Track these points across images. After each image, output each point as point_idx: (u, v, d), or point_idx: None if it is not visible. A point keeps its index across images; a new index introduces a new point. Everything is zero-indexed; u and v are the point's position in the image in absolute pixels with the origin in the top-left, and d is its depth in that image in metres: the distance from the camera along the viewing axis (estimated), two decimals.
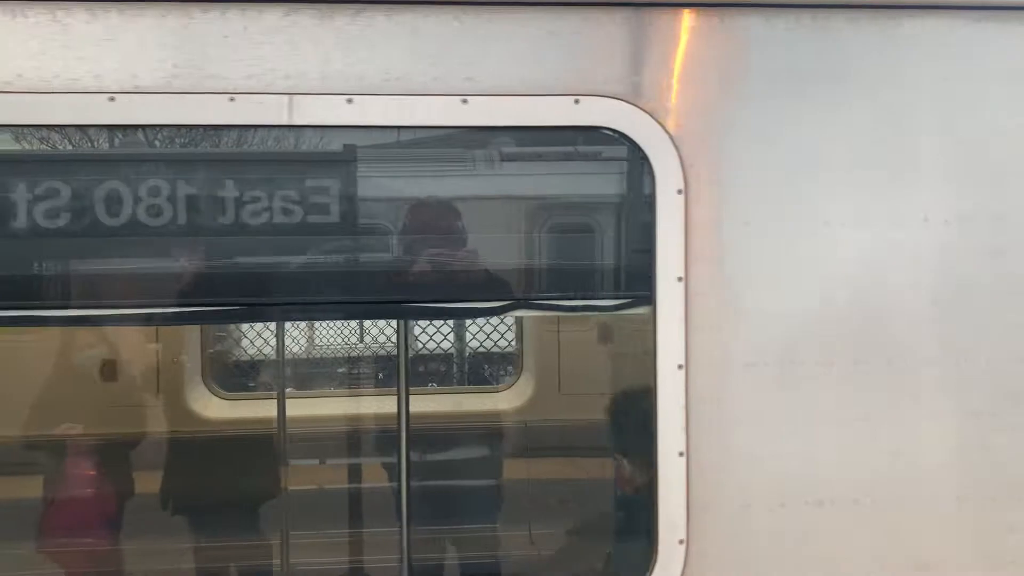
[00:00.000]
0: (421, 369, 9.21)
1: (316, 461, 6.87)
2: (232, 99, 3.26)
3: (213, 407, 7.00)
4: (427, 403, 7.24)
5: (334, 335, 11.11)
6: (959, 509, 3.53)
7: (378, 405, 6.30)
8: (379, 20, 3.32)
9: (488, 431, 7.05)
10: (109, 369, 6.21)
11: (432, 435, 6.62)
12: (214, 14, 3.26)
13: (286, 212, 3.37)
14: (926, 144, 3.49)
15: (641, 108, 3.40)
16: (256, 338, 9.23)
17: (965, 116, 3.50)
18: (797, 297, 3.46)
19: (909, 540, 3.53)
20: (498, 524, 5.93)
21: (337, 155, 3.47)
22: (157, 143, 3.54)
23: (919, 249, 3.49)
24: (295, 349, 10.86)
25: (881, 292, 3.49)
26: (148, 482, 6.10)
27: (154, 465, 6.32)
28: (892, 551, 3.53)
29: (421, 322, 8.63)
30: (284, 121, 3.28)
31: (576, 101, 3.37)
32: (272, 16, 3.29)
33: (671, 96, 3.41)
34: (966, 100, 3.50)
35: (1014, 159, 3.52)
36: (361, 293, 3.55)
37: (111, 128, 3.36)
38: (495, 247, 3.56)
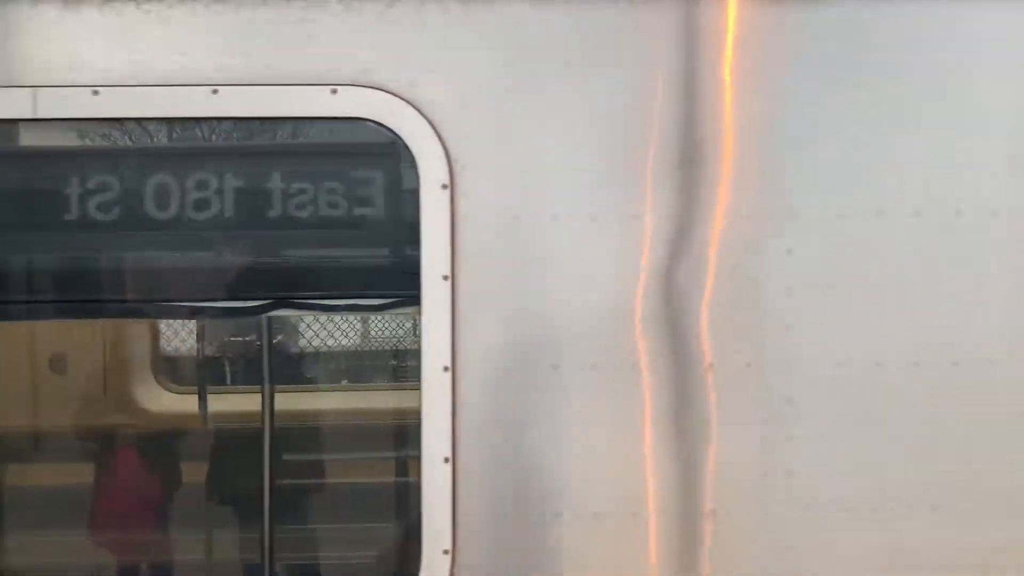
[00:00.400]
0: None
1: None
2: None
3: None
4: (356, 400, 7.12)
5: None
6: (722, 520, 3.31)
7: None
8: (128, 9, 3.23)
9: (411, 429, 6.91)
10: None
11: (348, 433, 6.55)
12: None
13: (20, 209, 3.31)
14: (699, 136, 3.27)
15: (403, 99, 3.25)
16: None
17: (746, 107, 3.28)
18: (566, 297, 3.27)
19: (688, 551, 3.32)
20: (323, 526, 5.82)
21: (81, 149, 3.40)
22: None
23: (698, 247, 3.28)
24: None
25: (656, 294, 3.28)
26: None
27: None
28: (670, 564, 3.33)
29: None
30: (29, 115, 3.22)
31: (333, 91, 3.24)
32: (18, 7, 3.22)
33: (435, 87, 3.25)
34: (745, 88, 3.27)
35: (800, 156, 3.29)
36: (109, 292, 3.46)
37: None
38: (251, 244, 3.43)
